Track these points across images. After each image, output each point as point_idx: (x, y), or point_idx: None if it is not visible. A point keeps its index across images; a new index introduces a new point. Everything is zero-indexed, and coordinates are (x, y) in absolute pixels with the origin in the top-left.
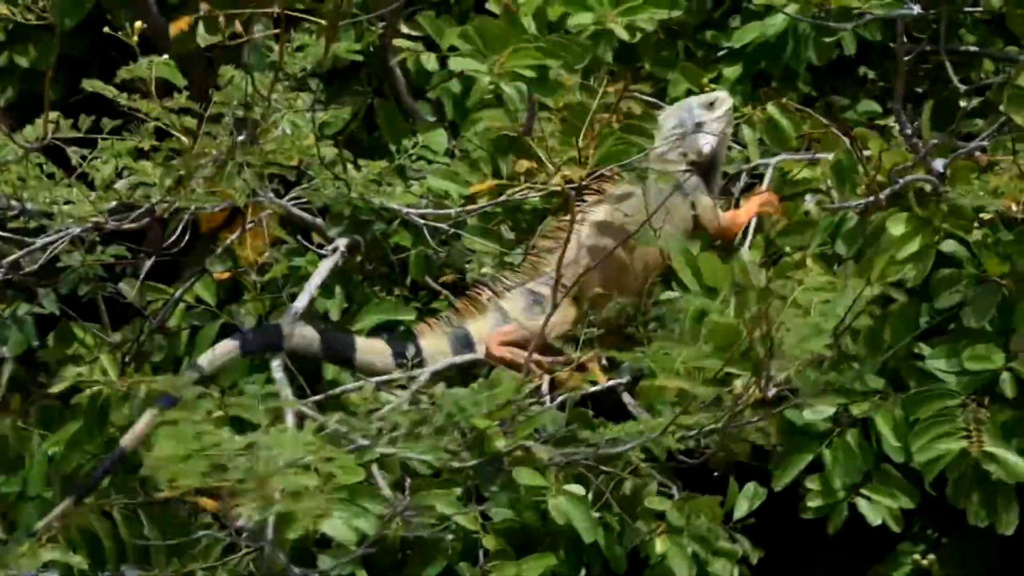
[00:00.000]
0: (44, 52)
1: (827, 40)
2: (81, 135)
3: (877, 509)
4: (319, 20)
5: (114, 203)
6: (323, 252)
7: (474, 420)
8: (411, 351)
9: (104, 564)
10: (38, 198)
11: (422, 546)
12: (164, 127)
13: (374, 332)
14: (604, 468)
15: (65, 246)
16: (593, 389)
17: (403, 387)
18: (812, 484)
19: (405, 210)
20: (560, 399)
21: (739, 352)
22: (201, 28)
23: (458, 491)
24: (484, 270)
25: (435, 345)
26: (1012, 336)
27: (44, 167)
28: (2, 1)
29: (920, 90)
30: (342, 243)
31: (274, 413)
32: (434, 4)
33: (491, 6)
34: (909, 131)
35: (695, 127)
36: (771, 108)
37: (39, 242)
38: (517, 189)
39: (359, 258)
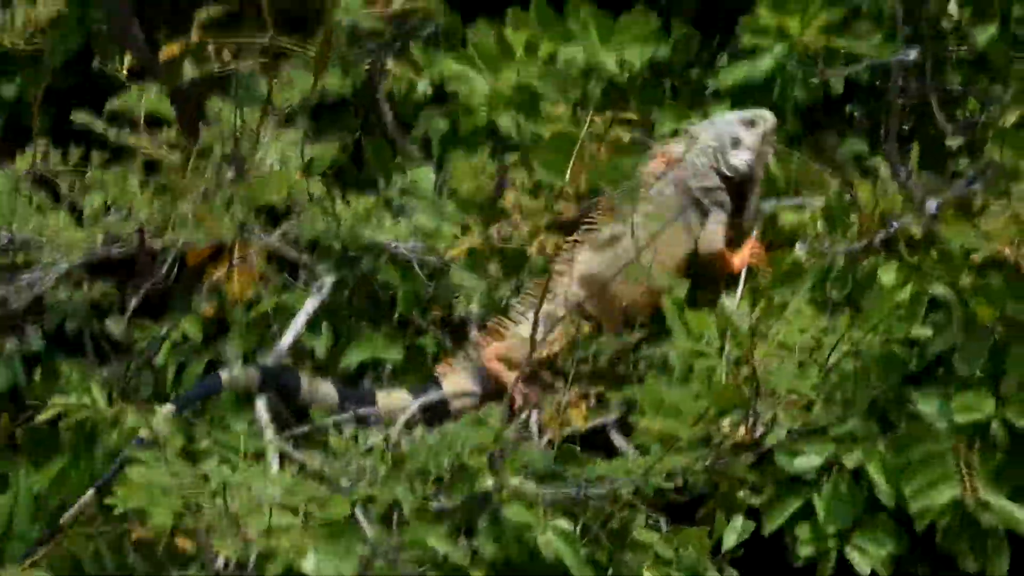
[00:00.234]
0: (32, 83)
1: (814, 81)
2: (70, 168)
3: (867, 558)
4: (309, 52)
5: (103, 235)
6: (310, 289)
7: (462, 457)
8: (433, 395)
9: None
10: (27, 228)
11: None
12: (153, 160)
13: (360, 370)
14: (592, 502)
15: (52, 283)
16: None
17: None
18: (802, 532)
19: (394, 244)
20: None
21: (726, 392)
22: (189, 62)
23: (446, 526)
24: (472, 307)
25: (458, 383)
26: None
27: (32, 198)
28: None
29: (906, 127)
30: (329, 279)
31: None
32: (424, 39)
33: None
34: (903, 174)
35: (732, 143)
36: None
37: (25, 279)
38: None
39: (346, 294)
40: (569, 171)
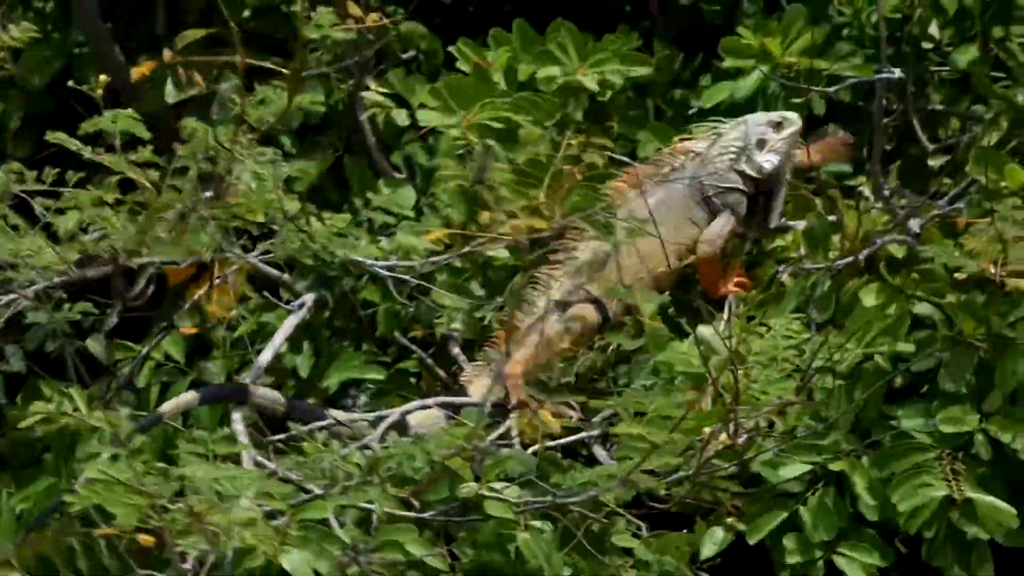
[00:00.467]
0: (8, 106)
1: (797, 101)
2: (46, 187)
3: (855, 565)
4: (284, 71)
5: (79, 255)
6: (291, 308)
7: (433, 459)
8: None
9: None
10: (3, 250)
11: None
12: (129, 179)
13: (342, 389)
14: (572, 507)
15: (31, 302)
16: (560, 441)
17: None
18: (788, 542)
19: (370, 262)
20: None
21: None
22: (169, 84)
23: (423, 531)
24: (454, 326)
25: (484, 387)
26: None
27: (7, 218)
28: None
29: (888, 147)
30: (309, 298)
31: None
32: (404, 62)
33: (461, 65)
34: (887, 193)
35: (757, 144)
36: None
37: (2, 300)
38: (479, 241)
39: (327, 314)
40: (543, 192)
